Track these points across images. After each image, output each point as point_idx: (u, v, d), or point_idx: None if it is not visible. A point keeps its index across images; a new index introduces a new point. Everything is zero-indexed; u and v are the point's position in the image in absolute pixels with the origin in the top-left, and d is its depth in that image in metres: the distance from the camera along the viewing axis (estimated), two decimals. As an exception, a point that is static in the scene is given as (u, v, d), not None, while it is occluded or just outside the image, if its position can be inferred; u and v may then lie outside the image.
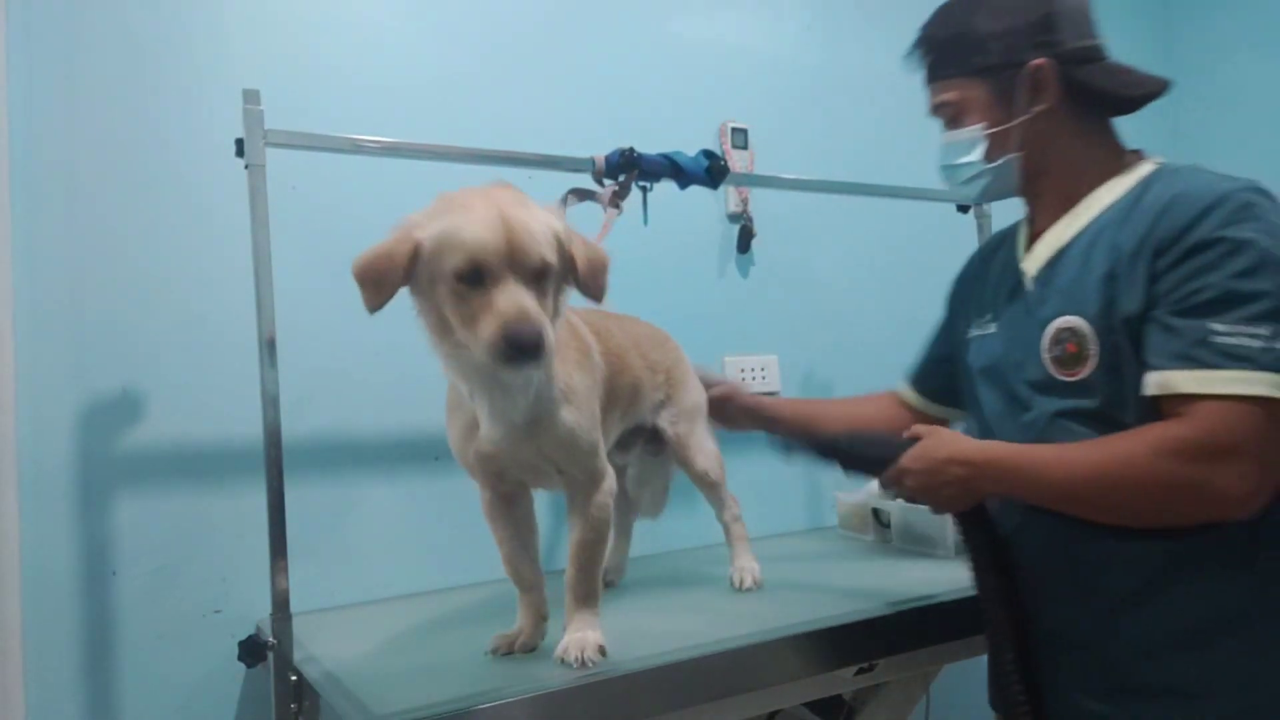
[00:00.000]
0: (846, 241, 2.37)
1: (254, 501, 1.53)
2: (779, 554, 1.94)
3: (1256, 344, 0.99)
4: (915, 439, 1.21)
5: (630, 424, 1.47)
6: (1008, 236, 1.38)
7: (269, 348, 1.38)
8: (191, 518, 1.59)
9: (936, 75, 1.27)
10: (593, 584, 1.19)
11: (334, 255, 1.74)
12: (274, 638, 1.32)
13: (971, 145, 1.24)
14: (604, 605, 1.24)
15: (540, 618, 1.24)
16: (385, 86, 1.82)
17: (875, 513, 1.95)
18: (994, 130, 1.22)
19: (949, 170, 1.30)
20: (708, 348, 2.16)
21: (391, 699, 1.08)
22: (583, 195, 1.65)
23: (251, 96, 1.37)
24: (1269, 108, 2.85)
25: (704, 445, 1.56)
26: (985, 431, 1.28)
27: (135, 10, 1.61)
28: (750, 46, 2.29)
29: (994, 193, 1.30)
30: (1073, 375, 1.14)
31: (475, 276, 0.99)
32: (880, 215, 2.31)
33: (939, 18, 1.28)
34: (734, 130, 2.20)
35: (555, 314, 1.06)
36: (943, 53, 1.25)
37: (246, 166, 1.37)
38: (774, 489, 2.19)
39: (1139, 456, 1.04)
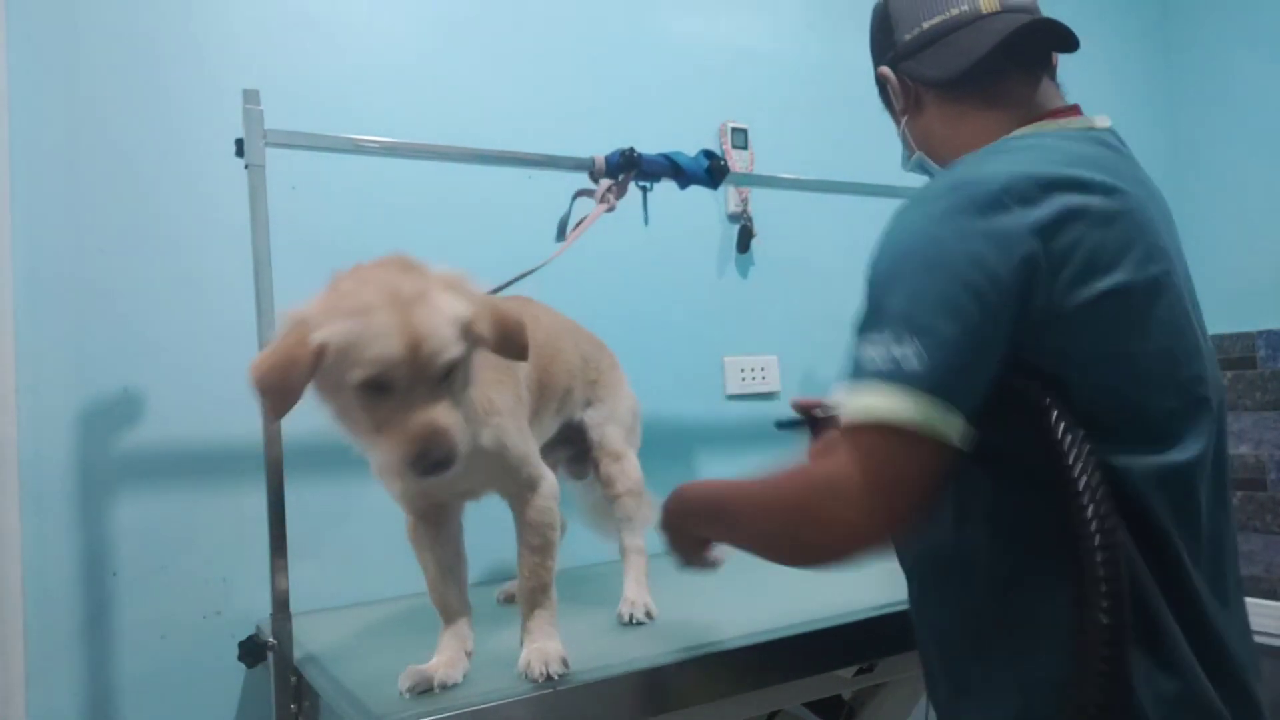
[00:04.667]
0: (846, 241, 2.36)
1: (254, 501, 1.53)
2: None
3: (883, 364, 0.89)
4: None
5: (564, 418, 1.45)
6: None
7: (269, 348, 1.38)
8: (191, 518, 1.59)
9: None
10: (546, 591, 1.16)
11: (334, 255, 1.74)
12: (274, 638, 1.31)
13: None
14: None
15: (464, 652, 1.17)
16: (385, 86, 1.82)
17: (875, 513, 1.95)
18: (900, 134, 1.27)
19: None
20: (708, 348, 2.16)
21: (391, 699, 1.08)
22: (588, 194, 1.65)
23: (251, 96, 1.37)
24: (1269, 108, 2.85)
25: (628, 456, 1.50)
26: None
27: (136, 10, 1.61)
28: (750, 46, 2.29)
29: None
30: None
31: (381, 388, 0.95)
32: (880, 215, 2.30)
33: None
34: (734, 130, 2.20)
35: (464, 385, 1.02)
36: None
37: (246, 166, 1.37)
38: (774, 489, 2.19)
39: (760, 503, 0.99)
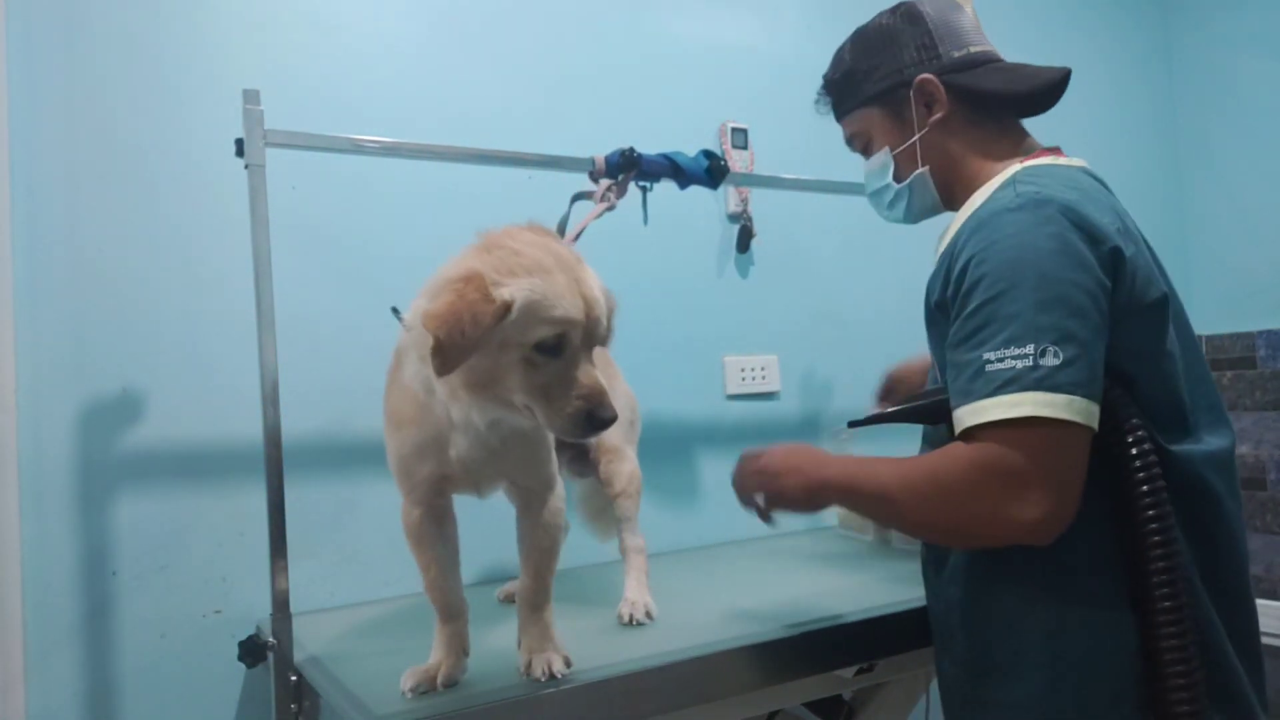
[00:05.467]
0: (846, 241, 2.37)
1: (254, 501, 1.54)
2: (779, 554, 1.94)
3: (1021, 364, 0.98)
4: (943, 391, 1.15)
5: None
6: None
7: (269, 347, 1.38)
8: (191, 518, 1.59)
9: (841, 112, 1.35)
10: (547, 594, 1.17)
11: (334, 255, 1.75)
12: (274, 638, 1.32)
13: (884, 169, 1.30)
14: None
15: (463, 651, 1.16)
16: (385, 86, 1.82)
17: (875, 513, 1.95)
18: (899, 150, 1.28)
19: (873, 198, 1.38)
20: (708, 348, 2.16)
21: (391, 699, 1.08)
22: (586, 197, 1.65)
23: (251, 96, 1.37)
24: (1269, 107, 2.85)
25: (626, 455, 1.50)
26: None
27: (135, 10, 1.61)
28: (750, 46, 2.29)
29: (919, 211, 1.33)
30: None
31: (553, 348, 0.97)
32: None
33: (833, 62, 1.37)
34: (734, 130, 2.20)
35: None
36: (841, 90, 1.34)
37: (246, 166, 1.37)
38: (774, 489, 2.19)
39: (940, 490, 1.04)
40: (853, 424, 1.27)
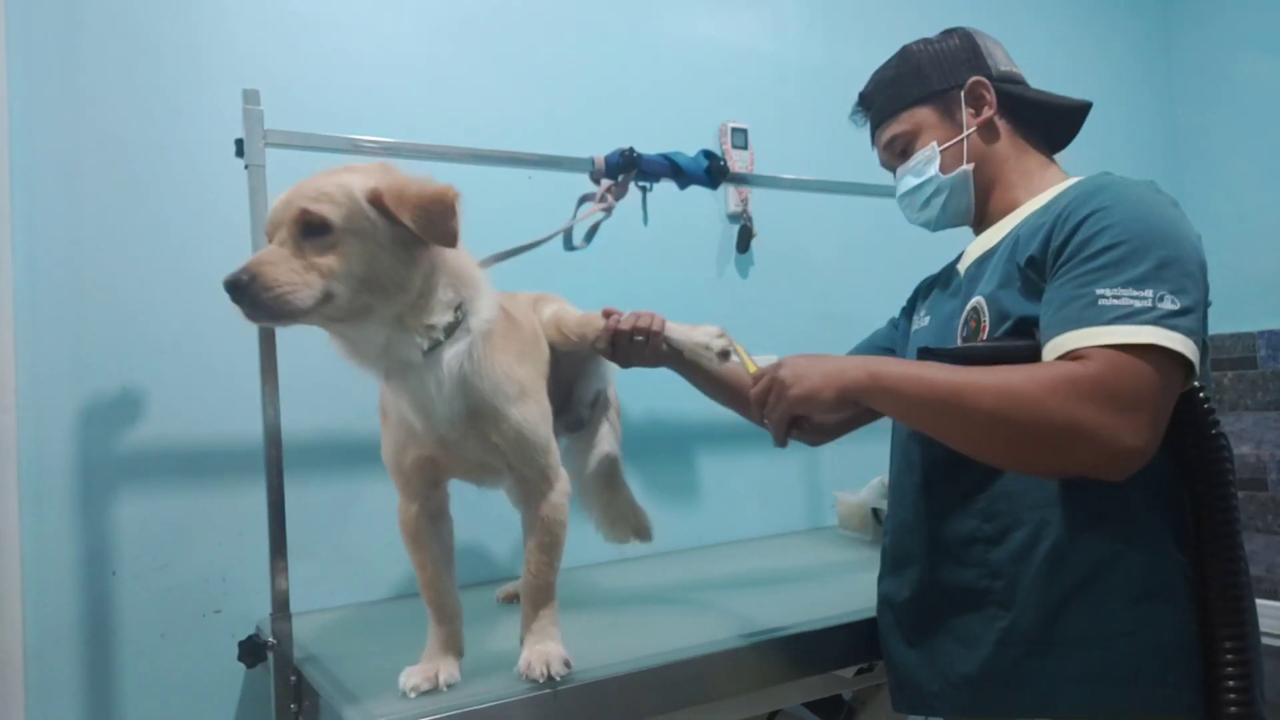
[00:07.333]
0: (846, 241, 2.37)
1: (254, 501, 1.54)
2: (778, 553, 1.94)
3: (1139, 304, 1.01)
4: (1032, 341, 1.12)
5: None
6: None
7: (269, 348, 1.38)
8: (191, 518, 1.59)
9: (885, 116, 1.38)
10: (549, 591, 1.16)
11: (334, 255, 1.75)
12: (274, 638, 1.32)
13: (927, 163, 1.33)
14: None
15: (458, 652, 1.17)
16: (385, 86, 1.82)
17: (875, 513, 1.95)
18: (947, 145, 1.32)
19: (907, 197, 1.38)
20: (708, 348, 2.16)
21: (391, 699, 1.08)
22: (591, 199, 1.65)
23: (251, 96, 1.38)
24: (1269, 108, 2.86)
25: (616, 429, 1.54)
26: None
27: (135, 10, 1.61)
28: (750, 46, 2.29)
29: (951, 214, 1.35)
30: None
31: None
32: (880, 215, 2.31)
33: (877, 76, 1.40)
34: (734, 130, 2.20)
35: (364, 271, 1.01)
36: (887, 96, 1.37)
37: (246, 166, 1.37)
38: (774, 489, 2.19)
39: (1040, 390, 1.01)
40: (924, 352, 1.21)
